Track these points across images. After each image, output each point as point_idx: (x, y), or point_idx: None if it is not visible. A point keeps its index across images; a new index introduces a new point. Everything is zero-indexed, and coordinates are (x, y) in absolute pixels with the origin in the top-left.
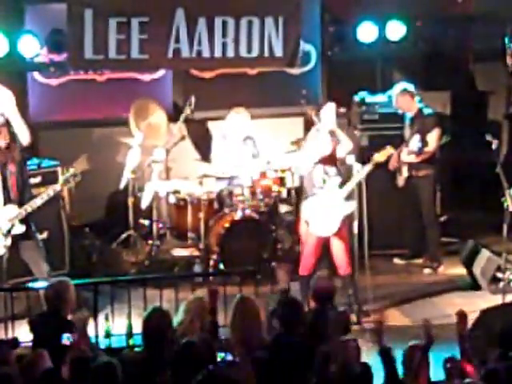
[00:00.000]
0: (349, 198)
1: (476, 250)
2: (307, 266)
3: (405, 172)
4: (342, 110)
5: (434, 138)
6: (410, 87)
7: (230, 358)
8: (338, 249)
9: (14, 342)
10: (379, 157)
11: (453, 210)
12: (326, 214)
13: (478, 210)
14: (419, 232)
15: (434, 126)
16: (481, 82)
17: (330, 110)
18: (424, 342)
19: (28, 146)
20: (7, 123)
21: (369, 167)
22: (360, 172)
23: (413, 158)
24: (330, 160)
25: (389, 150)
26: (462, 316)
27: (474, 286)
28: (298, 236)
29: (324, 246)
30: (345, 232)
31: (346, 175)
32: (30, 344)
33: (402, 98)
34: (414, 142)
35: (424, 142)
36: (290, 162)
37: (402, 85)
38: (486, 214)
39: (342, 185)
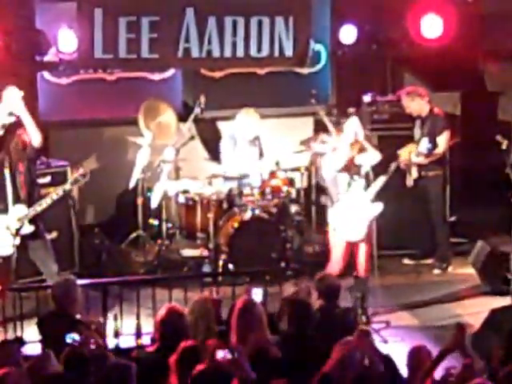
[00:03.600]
0: (375, 199)
1: (485, 250)
2: (335, 271)
3: (414, 173)
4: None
5: (443, 139)
6: (419, 88)
7: (228, 356)
8: (362, 252)
9: (19, 342)
10: (404, 153)
11: (462, 210)
12: (354, 218)
13: (488, 211)
14: (428, 232)
15: (443, 127)
16: (491, 83)
17: (352, 123)
18: (448, 345)
19: (39, 147)
20: (18, 123)
21: (394, 166)
22: (385, 173)
23: (422, 160)
24: (354, 167)
25: (411, 146)
26: (461, 328)
27: (484, 286)
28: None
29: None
30: (370, 235)
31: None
32: (39, 344)
33: (411, 99)
34: (424, 144)
35: (434, 144)
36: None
37: (410, 86)
38: (495, 214)
39: (366, 187)
